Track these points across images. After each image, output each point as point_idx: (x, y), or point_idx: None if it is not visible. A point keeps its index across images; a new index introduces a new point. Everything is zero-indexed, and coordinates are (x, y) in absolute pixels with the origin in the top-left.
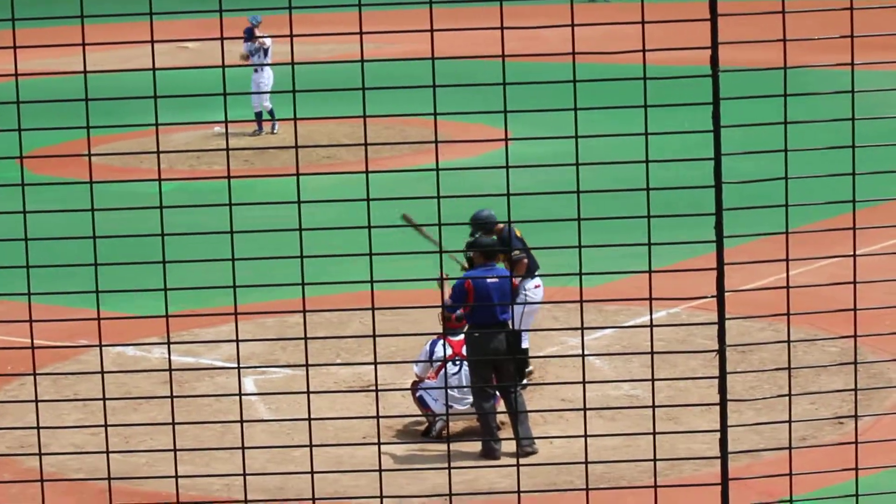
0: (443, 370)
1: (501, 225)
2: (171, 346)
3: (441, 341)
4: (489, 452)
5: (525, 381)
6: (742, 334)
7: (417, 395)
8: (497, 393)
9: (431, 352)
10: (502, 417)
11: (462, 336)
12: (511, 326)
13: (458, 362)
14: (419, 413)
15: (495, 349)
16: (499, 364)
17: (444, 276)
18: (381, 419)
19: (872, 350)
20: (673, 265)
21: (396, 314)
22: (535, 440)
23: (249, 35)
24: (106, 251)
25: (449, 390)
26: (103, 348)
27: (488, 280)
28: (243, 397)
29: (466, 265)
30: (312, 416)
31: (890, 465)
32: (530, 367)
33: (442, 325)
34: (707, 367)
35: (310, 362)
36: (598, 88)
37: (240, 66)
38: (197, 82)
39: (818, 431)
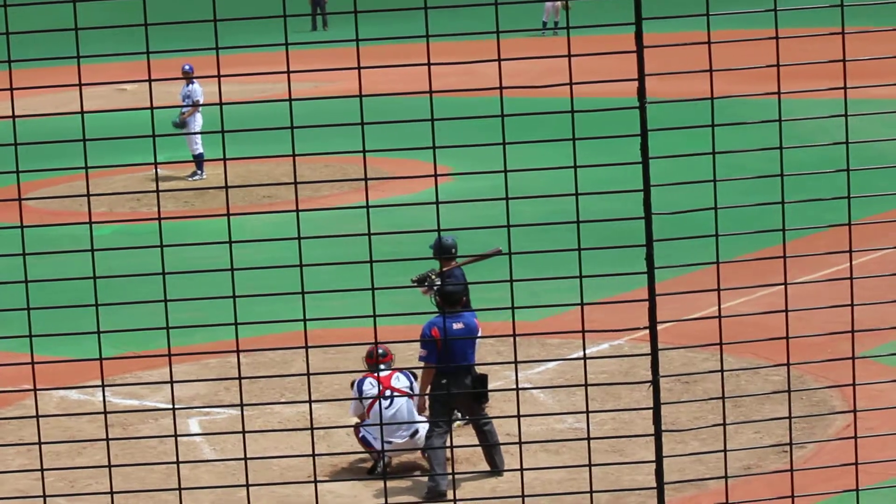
0: (375, 408)
1: (454, 263)
2: (116, 388)
3: (367, 379)
4: (435, 494)
5: (468, 418)
6: (685, 364)
7: (360, 435)
8: (450, 432)
9: (360, 391)
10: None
11: (388, 371)
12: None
13: (388, 396)
14: (361, 451)
15: (461, 394)
16: (461, 404)
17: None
18: (323, 457)
19: (815, 378)
20: (614, 297)
21: (339, 352)
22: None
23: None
24: (52, 295)
25: (386, 426)
26: (47, 392)
27: (454, 327)
28: (189, 438)
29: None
30: (255, 456)
31: (830, 492)
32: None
33: (366, 364)
34: (649, 399)
35: (253, 402)
36: (538, 122)
37: (168, 107)
38: (139, 124)
39: (762, 460)
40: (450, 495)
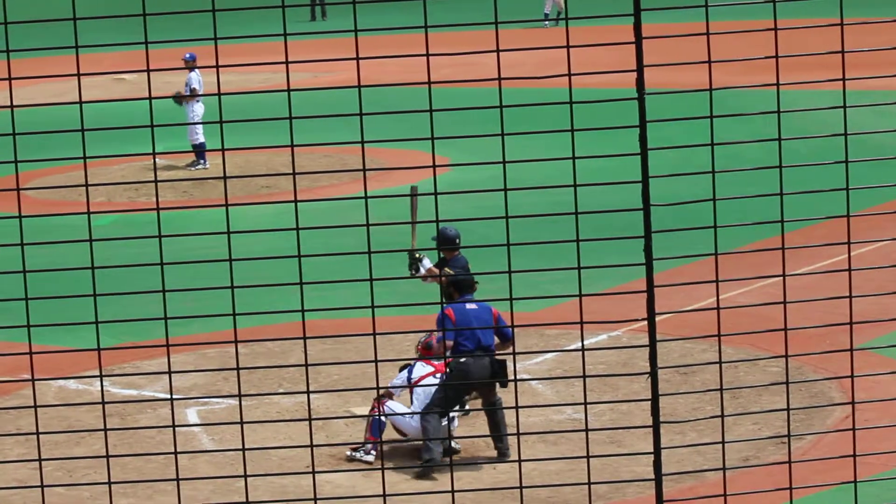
0: (418, 389)
1: (457, 252)
2: (115, 378)
3: (419, 363)
4: (431, 462)
5: (468, 408)
6: (683, 356)
7: (373, 418)
8: (448, 416)
9: (409, 373)
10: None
11: (439, 361)
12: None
13: (436, 377)
14: (358, 442)
15: (480, 375)
16: (481, 387)
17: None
18: (322, 448)
19: (814, 369)
20: (613, 288)
21: (338, 342)
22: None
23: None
24: (50, 285)
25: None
26: (45, 382)
27: (468, 307)
28: (188, 429)
29: (420, 265)
30: (253, 447)
31: (828, 483)
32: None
33: (421, 353)
34: (647, 390)
35: (252, 392)
36: (537, 113)
37: (167, 97)
38: (137, 114)
39: (761, 451)
40: (443, 484)
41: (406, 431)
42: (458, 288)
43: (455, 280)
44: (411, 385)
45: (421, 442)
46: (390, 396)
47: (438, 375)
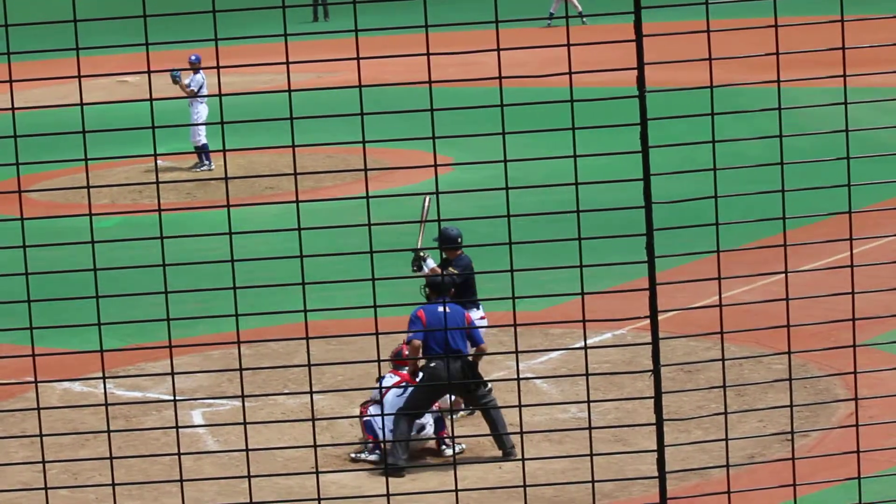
0: (388, 397)
1: (460, 252)
2: (119, 380)
3: (387, 375)
4: (393, 470)
5: (472, 407)
6: (687, 353)
7: (365, 419)
8: (418, 421)
9: (380, 382)
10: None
11: (406, 370)
12: (466, 354)
13: (402, 386)
14: (363, 442)
15: (451, 377)
16: (458, 389)
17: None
18: (327, 448)
19: (819, 366)
20: (616, 286)
21: (343, 343)
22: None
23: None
24: (54, 287)
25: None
26: (49, 384)
27: (440, 310)
28: (192, 430)
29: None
30: (257, 447)
31: (833, 480)
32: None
33: (392, 362)
34: (651, 388)
35: (256, 393)
36: (538, 112)
37: (169, 98)
38: (140, 115)
39: (765, 449)
40: (444, 483)
41: (377, 436)
42: (435, 290)
43: (431, 282)
44: (381, 393)
45: (425, 440)
46: (375, 401)
47: (403, 384)
